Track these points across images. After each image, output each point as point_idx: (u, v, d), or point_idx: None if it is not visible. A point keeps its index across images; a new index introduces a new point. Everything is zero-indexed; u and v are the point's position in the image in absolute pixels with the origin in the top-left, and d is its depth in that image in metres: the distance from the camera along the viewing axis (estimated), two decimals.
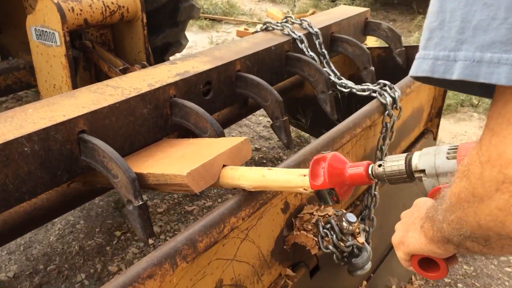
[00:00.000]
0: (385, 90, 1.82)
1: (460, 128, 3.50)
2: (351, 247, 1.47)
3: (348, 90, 1.93)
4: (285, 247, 1.47)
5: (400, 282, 2.02)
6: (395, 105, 1.80)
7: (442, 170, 0.87)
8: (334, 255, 1.45)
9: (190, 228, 1.08)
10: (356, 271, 1.50)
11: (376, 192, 1.84)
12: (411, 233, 0.79)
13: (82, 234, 2.38)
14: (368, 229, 1.82)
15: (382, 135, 1.81)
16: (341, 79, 1.99)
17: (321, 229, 1.45)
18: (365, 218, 1.85)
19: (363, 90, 1.86)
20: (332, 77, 1.99)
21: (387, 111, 1.78)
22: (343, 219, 1.44)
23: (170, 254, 1.01)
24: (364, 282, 1.88)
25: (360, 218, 1.86)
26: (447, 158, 0.87)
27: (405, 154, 0.95)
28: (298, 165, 1.37)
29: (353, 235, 1.51)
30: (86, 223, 2.45)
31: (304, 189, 1.08)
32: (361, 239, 1.50)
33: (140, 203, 1.23)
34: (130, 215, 1.25)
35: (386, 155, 1.84)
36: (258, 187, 1.17)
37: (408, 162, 0.93)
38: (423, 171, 0.90)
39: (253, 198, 1.21)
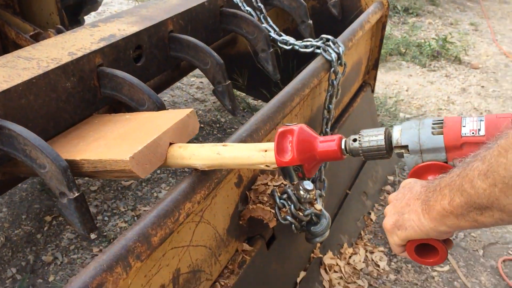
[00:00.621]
0: (329, 46, 1.73)
1: (391, 77, 3.54)
2: (309, 216, 1.41)
3: (290, 47, 1.81)
4: (240, 222, 1.37)
5: (351, 239, 2.03)
6: (339, 61, 1.72)
7: (427, 146, 0.79)
8: (293, 225, 1.38)
9: (141, 221, 0.94)
10: (315, 238, 1.45)
11: (328, 129, 1.76)
12: (407, 215, 0.72)
13: (7, 223, 2.14)
14: (321, 193, 1.78)
15: (329, 94, 1.73)
16: (281, 35, 1.86)
17: (277, 200, 1.37)
18: (316, 181, 1.79)
19: (306, 47, 1.75)
20: (272, 34, 1.85)
21: (332, 68, 1.70)
22: (300, 187, 1.36)
23: (122, 255, 0.87)
24: (318, 244, 1.85)
25: (311, 181, 1.80)
26: (433, 133, 0.79)
27: (383, 128, 0.87)
28: (252, 135, 1.25)
29: (310, 203, 1.45)
30: (10, 211, 2.20)
31: (267, 165, 0.97)
32: (318, 206, 1.45)
33: (76, 195, 1.06)
34: (65, 209, 1.08)
35: (333, 114, 1.77)
36: (213, 166, 1.04)
37: (387, 137, 0.85)
38: (405, 147, 0.82)
39: (207, 177, 1.08)
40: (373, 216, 2.19)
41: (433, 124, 0.79)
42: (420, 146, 0.79)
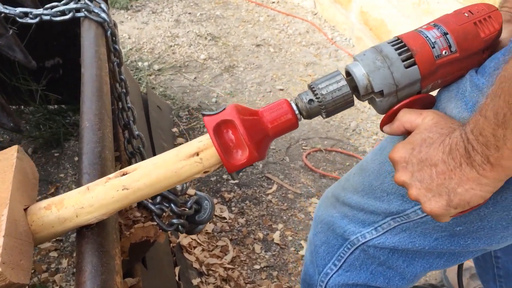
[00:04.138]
0: (87, 5, 1.36)
1: None
2: (192, 205, 1.16)
3: (37, 19, 1.35)
4: (123, 258, 1.03)
5: None
6: (110, 19, 1.39)
7: (403, 83, 0.68)
8: (180, 226, 1.12)
9: None
10: (200, 225, 1.23)
11: (130, 104, 1.38)
12: (461, 189, 0.60)
13: None
14: (141, 149, 1.38)
15: (116, 63, 1.40)
16: (14, 8, 1.36)
17: (152, 207, 1.07)
18: (131, 139, 1.39)
19: (62, 13, 1.34)
20: (1, 8, 1.33)
21: (109, 30, 1.36)
22: None
23: None
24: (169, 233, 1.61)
25: (126, 141, 1.37)
26: (405, 66, 0.68)
27: (336, 75, 0.70)
28: (103, 145, 0.89)
29: (182, 191, 1.19)
30: None
31: (205, 171, 0.71)
32: (190, 190, 1.21)
33: None
34: None
35: (128, 84, 1.45)
36: (120, 208, 0.70)
37: (351, 85, 0.70)
38: (380, 92, 0.69)
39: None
40: None
41: (399, 54, 0.68)
42: (397, 86, 0.68)
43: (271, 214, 1.92)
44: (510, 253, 1.21)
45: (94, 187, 0.68)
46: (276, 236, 1.82)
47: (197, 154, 0.69)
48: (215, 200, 1.91)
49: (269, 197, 1.99)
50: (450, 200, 0.63)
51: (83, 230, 0.69)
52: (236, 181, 2.01)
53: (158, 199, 1.07)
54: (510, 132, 0.54)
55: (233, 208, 1.91)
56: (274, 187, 2.05)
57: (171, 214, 1.08)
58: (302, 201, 2.01)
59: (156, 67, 2.82)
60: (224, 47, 3.15)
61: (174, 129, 2.31)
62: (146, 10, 3.52)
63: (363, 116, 2.61)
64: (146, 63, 2.83)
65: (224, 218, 1.85)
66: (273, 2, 3.89)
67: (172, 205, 1.08)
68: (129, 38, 3.11)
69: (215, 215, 1.85)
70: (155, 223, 1.06)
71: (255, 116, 0.71)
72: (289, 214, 1.94)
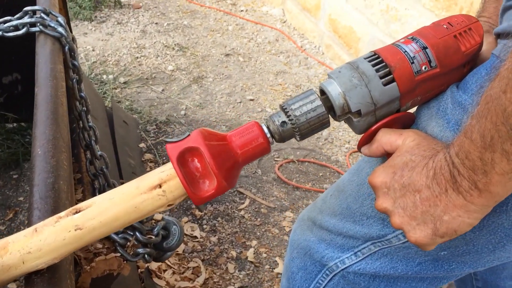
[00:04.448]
0: (44, 19, 1.27)
1: None
2: (159, 231, 1.09)
3: None
4: None
5: None
6: (67, 34, 1.31)
7: (382, 102, 0.63)
8: (146, 255, 1.05)
9: None
10: (169, 252, 1.16)
11: (91, 123, 1.30)
12: (447, 216, 0.56)
13: None
14: (104, 170, 1.30)
15: (75, 80, 1.31)
16: None
17: (116, 237, 0.99)
18: (93, 160, 1.31)
19: (15, 28, 1.25)
20: None
21: (67, 46, 1.28)
22: None
23: None
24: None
25: (89, 162, 1.28)
26: (384, 84, 0.63)
27: (310, 94, 0.64)
28: (58, 176, 0.81)
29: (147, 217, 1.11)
30: None
31: (169, 204, 0.64)
32: (158, 215, 1.13)
33: None
34: None
35: (89, 102, 1.37)
36: (75, 249, 0.62)
37: (326, 105, 0.65)
38: (357, 112, 0.63)
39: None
40: None
41: (377, 70, 0.63)
42: (375, 105, 0.63)
43: (244, 230, 1.86)
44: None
45: (43, 229, 0.60)
46: (250, 253, 1.75)
47: (160, 186, 0.62)
48: (185, 218, 1.84)
49: (242, 212, 1.93)
50: (436, 229, 0.58)
51: (31, 277, 0.62)
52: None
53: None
54: (498, 156, 0.50)
55: (204, 226, 1.84)
56: (247, 201, 1.99)
57: (136, 243, 1.01)
58: (276, 215, 1.95)
59: (122, 80, 2.73)
60: (192, 58, 3.08)
61: (142, 144, 2.22)
62: (111, 21, 3.42)
63: (335, 124, 2.59)
64: (111, 76, 2.73)
65: (196, 237, 1.78)
66: (242, 11, 3.85)
67: (137, 233, 1.01)
68: (93, 50, 3.00)
69: (186, 234, 1.78)
70: (118, 254, 0.98)
71: (223, 141, 0.65)
72: (263, 230, 1.88)
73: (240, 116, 2.57)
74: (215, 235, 1.80)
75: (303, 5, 3.54)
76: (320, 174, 2.24)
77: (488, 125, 0.50)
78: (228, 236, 1.81)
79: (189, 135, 0.64)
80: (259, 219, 1.91)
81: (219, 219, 1.88)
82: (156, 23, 3.46)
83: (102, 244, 0.98)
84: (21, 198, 1.83)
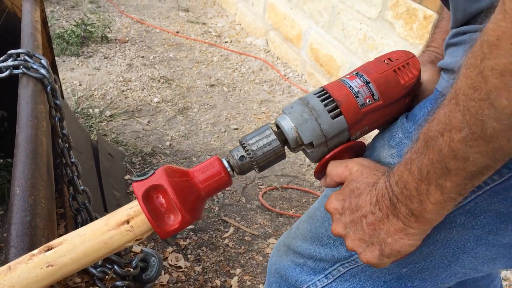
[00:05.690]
0: (27, 61, 1.33)
1: None
2: (137, 264, 1.12)
3: None
4: None
5: None
6: (49, 75, 1.36)
7: (332, 134, 0.69)
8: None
9: None
10: (148, 283, 1.19)
11: (73, 159, 1.33)
12: (390, 239, 0.61)
13: None
14: (87, 205, 1.33)
15: (57, 118, 1.36)
16: None
17: (93, 271, 1.03)
18: (76, 195, 1.34)
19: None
20: None
21: (49, 86, 1.34)
22: None
23: None
24: None
25: (71, 197, 1.32)
26: (332, 117, 0.69)
27: (265, 130, 0.70)
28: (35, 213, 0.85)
29: (125, 250, 1.15)
30: None
31: (137, 239, 0.68)
32: (136, 247, 1.17)
33: None
34: None
35: (71, 139, 1.42)
36: (47, 284, 0.66)
37: (281, 139, 0.70)
38: (310, 144, 0.69)
39: None
40: None
41: (325, 105, 0.69)
42: (326, 137, 0.69)
43: (228, 258, 1.88)
44: (463, 283, 1.22)
45: (16, 266, 0.65)
46: (234, 282, 1.78)
47: (128, 222, 0.67)
48: (170, 249, 1.87)
49: (226, 241, 1.96)
50: (382, 250, 0.64)
51: None
52: (173, 244, 1.98)
53: (100, 261, 1.03)
54: (433, 188, 0.55)
55: (189, 256, 1.86)
56: (231, 230, 2.02)
57: (115, 276, 1.04)
58: (260, 243, 1.98)
59: (108, 113, 2.78)
60: (177, 89, 3.15)
61: (127, 176, 2.26)
62: (98, 55, 3.50)
63: None
64: (97, 110, 2.79)
65: (180, 267, 1.80)
66: (226, 42, 3.96)
67: (115, 266, 1.04)
68: (80, 85, 3.06)
69: (171, 265, 1.80)
70: None
71: (186, 177, 0.70)
72: (247, 257, 1.91)
73: (225, 145, 2.63)
74: (200, 265, 1.83)
75: (285, 35, 3.65)
76: (303, 200, 2.29)
77: (425, 161, 0.56)
78: (212, 265, 1.84)
79: (154, 173, 0.69)
80: (243, 247, 1.95)
81: (203, 248, 1.91)
82: (142, 57, 3.55)
83: (81, 278, 1.02)
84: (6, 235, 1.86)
